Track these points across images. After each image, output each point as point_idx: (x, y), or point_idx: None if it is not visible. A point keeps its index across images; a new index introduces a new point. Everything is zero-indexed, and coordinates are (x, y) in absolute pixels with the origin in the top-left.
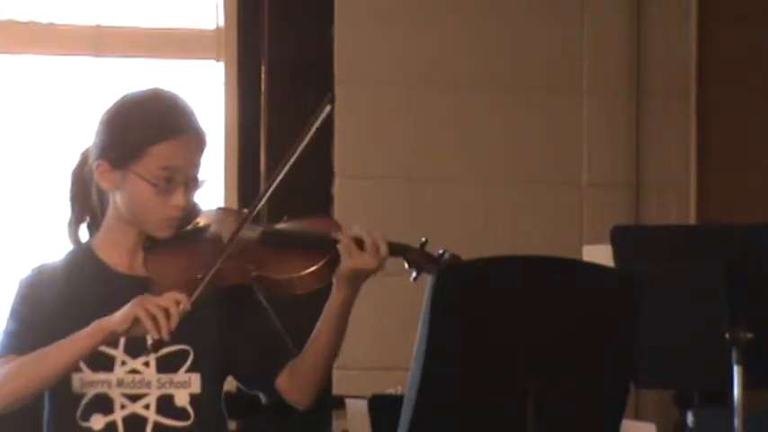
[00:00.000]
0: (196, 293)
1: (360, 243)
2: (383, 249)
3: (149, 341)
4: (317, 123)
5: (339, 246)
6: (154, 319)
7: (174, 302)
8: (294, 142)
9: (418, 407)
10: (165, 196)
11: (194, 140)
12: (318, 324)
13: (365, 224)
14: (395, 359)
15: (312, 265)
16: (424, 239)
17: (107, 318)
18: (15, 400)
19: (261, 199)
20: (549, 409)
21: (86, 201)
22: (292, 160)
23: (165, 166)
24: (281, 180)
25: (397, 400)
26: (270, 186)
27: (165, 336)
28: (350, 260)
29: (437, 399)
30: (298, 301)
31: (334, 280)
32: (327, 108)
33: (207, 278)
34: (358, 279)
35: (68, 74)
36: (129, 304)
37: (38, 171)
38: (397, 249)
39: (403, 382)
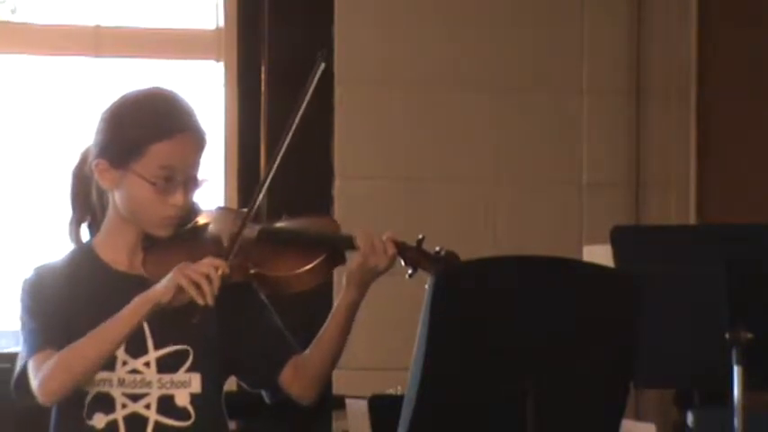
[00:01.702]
0: (231, 255)
1: (371, 244)
2: (391, 249)
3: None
4: (314, 83)
5: (357, 246)
6: (197, 285)
7: (213, 267)
8: (293, 108)
9: (418, 407)
10: (164, 195)
11: (194, 140)
12: (326, 324)
13: (365, 224)
14: (395, 359)
15: (310, 263)
16: (420, 237)
17: (149, 290)
18: (75, 384)
19: (265, 180)
20: (549, 409)
21: (87, 200)
22: (294, 127)
23: (165, 165)
24: (281, 180)
25: (397, 401)
26: (274, 163)
27: (210, 301)
28: (366, 261)
29: (437, 399)
30: (297, 299)
31: (344, 282)
32: (322, 66)
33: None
34: (369, 280)
35: (68, 74)
36: (169, 274)
37: (38, 171)
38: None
39: (403, 383)
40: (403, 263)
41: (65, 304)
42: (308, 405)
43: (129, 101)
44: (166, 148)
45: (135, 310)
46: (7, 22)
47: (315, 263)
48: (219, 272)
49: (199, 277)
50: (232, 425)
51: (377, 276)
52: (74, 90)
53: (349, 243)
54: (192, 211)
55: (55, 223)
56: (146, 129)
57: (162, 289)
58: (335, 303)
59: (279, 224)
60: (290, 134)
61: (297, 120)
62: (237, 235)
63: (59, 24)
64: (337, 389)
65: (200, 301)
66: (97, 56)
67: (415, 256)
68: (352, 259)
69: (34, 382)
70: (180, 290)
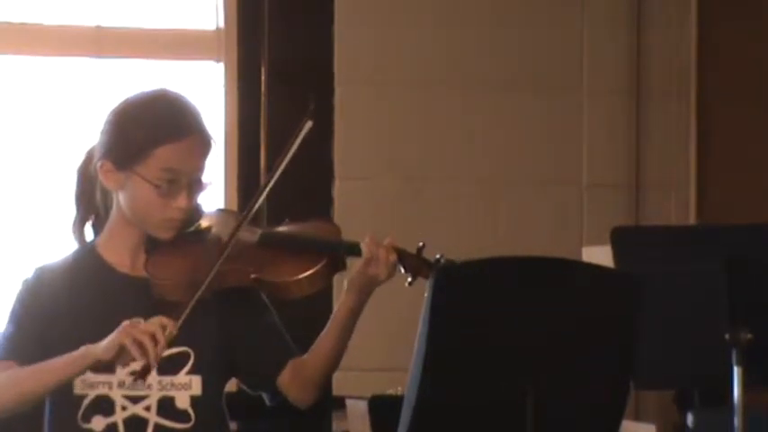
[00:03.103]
0: (183, 316)
1: (375, 251)
2: (392, 257)
3: (137, 368)
4: (299, 140)
5: (361, 253)
6: (140, 345)
7: (161, 327)
8: (277, 157)
9: (418, 407)
10: (167, 198)
11: (199, 143)
12: (326, 328)
13: (365, 225)
14: (395, 360)
15: (310, 268)
16: (421, 244)
17: (94, 345)
18: (6, 410)
19: (252, 208)
20: (549, 409)
21: (91, 200)
22: (275, 177)
23: (169, 167)
24: (281, 180)
25: (397, 401)
26: (259, 197)
27: (153, 362)
28: (367, 267)
29: (437, 399)
30: (298, 302)
31: (345, 287)
32: (309, 123)
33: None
34: (369, 288)
35: (69, 75)
36: (114, 332)
37: (39, 172)
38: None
39: (403, 383)
40: (403, 270)
41: (65, 304)
42: (304, 408)
43: (134, 103)
44: (171, 151)
45: (74, 361)
46: (9, 23)
47: (315, 269)
48: (167, 332)
49: (143, 337)
50: (233, 425)
51: (377, 284)
52: (75, 90)
53: (352, 249)
54: (196, 213)
55: (57, 225)
56: (151, 131)
57: (104, 347)
58: (335, 308)
59: (280, 229)
60: (276, 178)
61: (280, 170)
62: (231, 238)
63: (60, 25)
64: (337, 389)
65: (143, 362)
66: (98, 56)
67: (414, 263)
68: (354, 266)
69: None
70: (123, 349)
